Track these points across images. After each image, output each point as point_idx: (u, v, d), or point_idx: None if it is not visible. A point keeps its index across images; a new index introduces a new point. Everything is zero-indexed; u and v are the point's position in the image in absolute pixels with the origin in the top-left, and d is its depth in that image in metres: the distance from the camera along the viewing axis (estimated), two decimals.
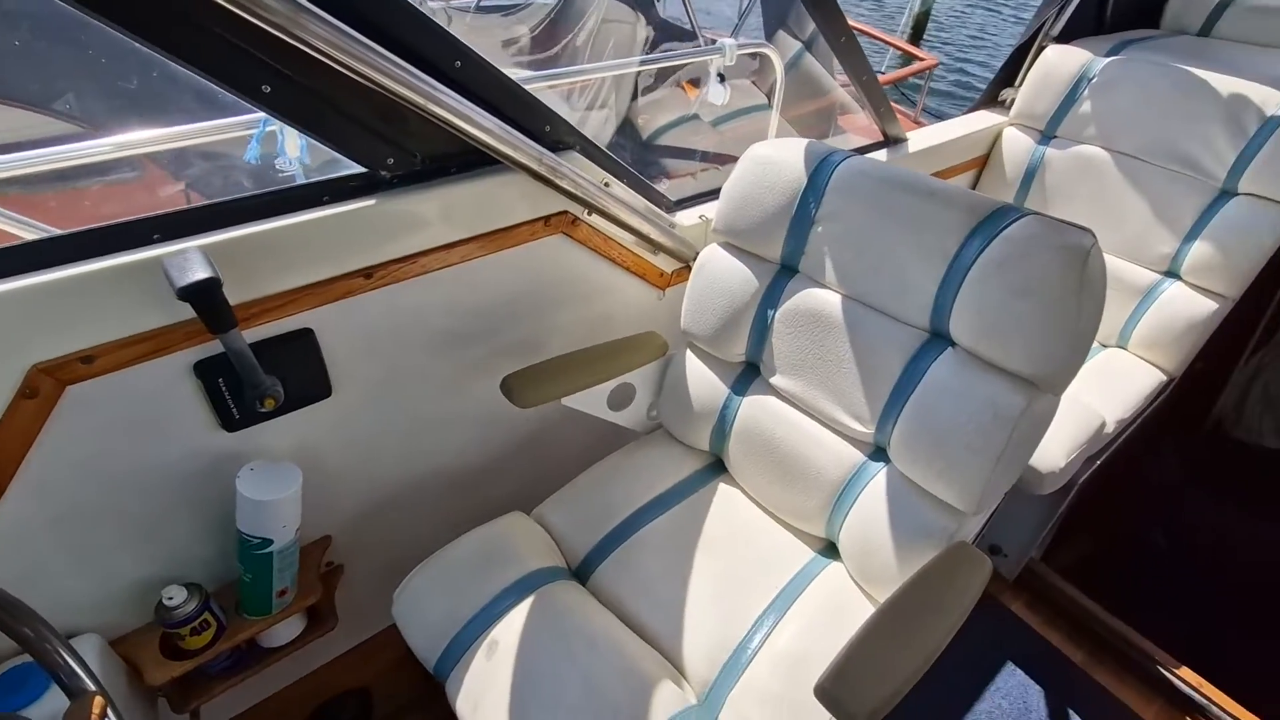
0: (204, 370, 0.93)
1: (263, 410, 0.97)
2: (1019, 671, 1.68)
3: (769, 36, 2.44)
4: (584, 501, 1.22)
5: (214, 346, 0.93)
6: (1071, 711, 1.61)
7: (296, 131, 1.19)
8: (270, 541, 1.02)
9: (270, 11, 0.71)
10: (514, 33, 2.43)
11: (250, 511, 1.00)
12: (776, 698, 0.92)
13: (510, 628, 0.99)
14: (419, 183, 1.02)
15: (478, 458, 1.39)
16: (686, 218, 1.43)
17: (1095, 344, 1.85)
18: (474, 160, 1.05)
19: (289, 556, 1.08)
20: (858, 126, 2.53)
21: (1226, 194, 1.65)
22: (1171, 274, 1.75)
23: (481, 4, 2.95)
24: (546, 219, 1.17)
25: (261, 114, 1.17)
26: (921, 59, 3.68)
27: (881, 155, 1.77)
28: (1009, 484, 0.98)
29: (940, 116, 2.50)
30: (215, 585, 1.11)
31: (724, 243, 1.21)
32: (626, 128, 2.08)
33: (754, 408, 1.19)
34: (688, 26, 2.48)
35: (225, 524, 1.05)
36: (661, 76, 2.35)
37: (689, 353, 1.29)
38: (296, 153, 1.21)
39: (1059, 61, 1.86)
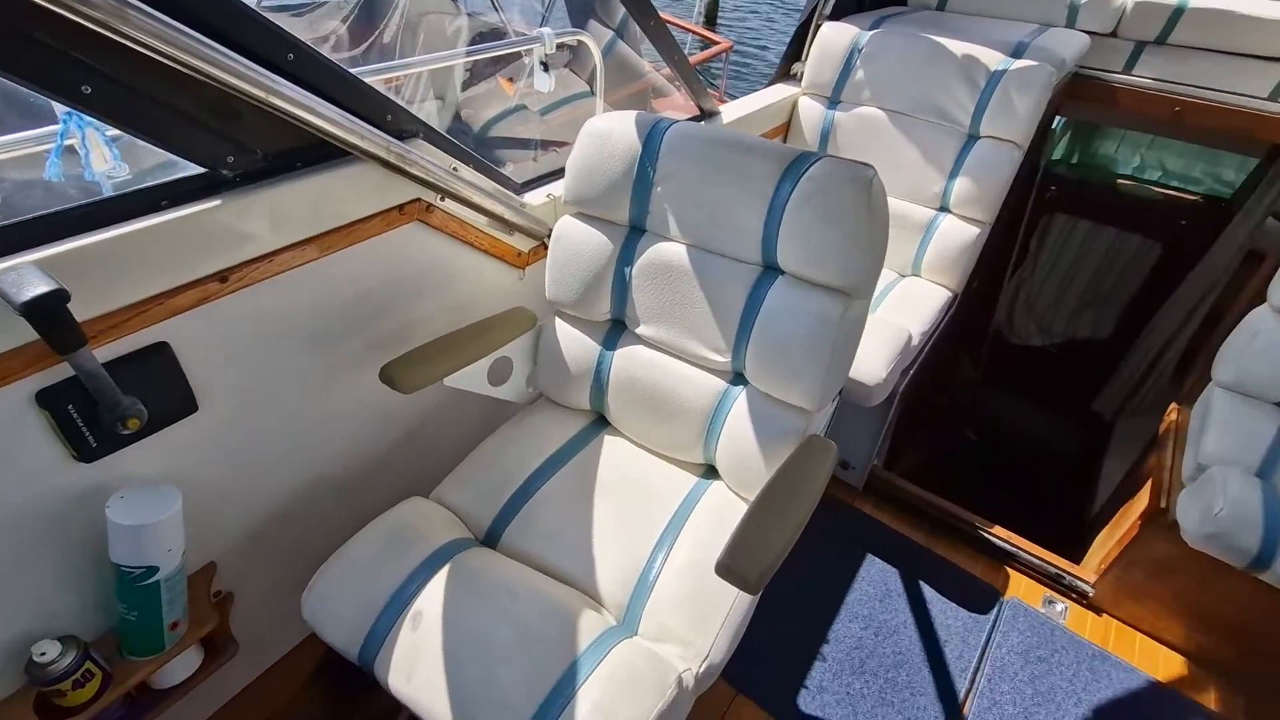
0: (49, 399, 0.87)
1: (125, 433, 0.92)
2: (877, 560, 1.97)
3: (578, 25, 2.56)
4: (480, 475, 1.27)
5: (56, 372, 0.87)
6: (921, 582, 1.91)
7: (104, 142, 1.12)
8: (155, 570, 0.97)
9: (88, 5, 0.69)
10: (324, 29, 2.34)
11: (128, 540, 0.94)
12: (683, 598, 1.05)
13: (431, 598, 1.03)
14: (265, 179, 1.01)
15: (368, 453, 1.38)
16: (535, 198, 1.50)
17: (894, 274, 2.19)
18: (320, 153, 1.06)
19: (177, 585, 1.03)
20: (673, 107, 2.73)
21: (973, 138, 2.02)
22: (943, 209, 2.10)
23: (263, 4, 2.79)
24: (401, 207, 1.19)
25: (58, 126, 1.08)
26: (718, 42, 4.02)
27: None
28: (841, 381, 1.18)
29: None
30: (93, 634, 1.03)
31: (576, 213, 1.30)
32: (459, 124, 2.10)
33: (625, 359, 1.31)
34: (494, 21, 2.53)
35: (96, 564, 0.98)
36: (476, 73, 2.39)
37: (558, 320, 1.38)
38: (105, 164, 1.13)
39: (833, 37, 2.15)
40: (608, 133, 1.21)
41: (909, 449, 3.46)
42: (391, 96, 1.17)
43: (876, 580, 1.91)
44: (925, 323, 1.98)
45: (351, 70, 1.10)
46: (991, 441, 3.61)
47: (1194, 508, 1.52)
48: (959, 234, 2.06)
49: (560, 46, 2.64)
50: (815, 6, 2.22)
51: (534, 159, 2.09)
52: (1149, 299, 3.11)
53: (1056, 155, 3.31)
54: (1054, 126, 3.13)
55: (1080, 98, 2.49)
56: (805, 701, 1.63)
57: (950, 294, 2.12)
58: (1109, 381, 3.21)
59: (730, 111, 2.07)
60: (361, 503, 1.37)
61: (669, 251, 1.22)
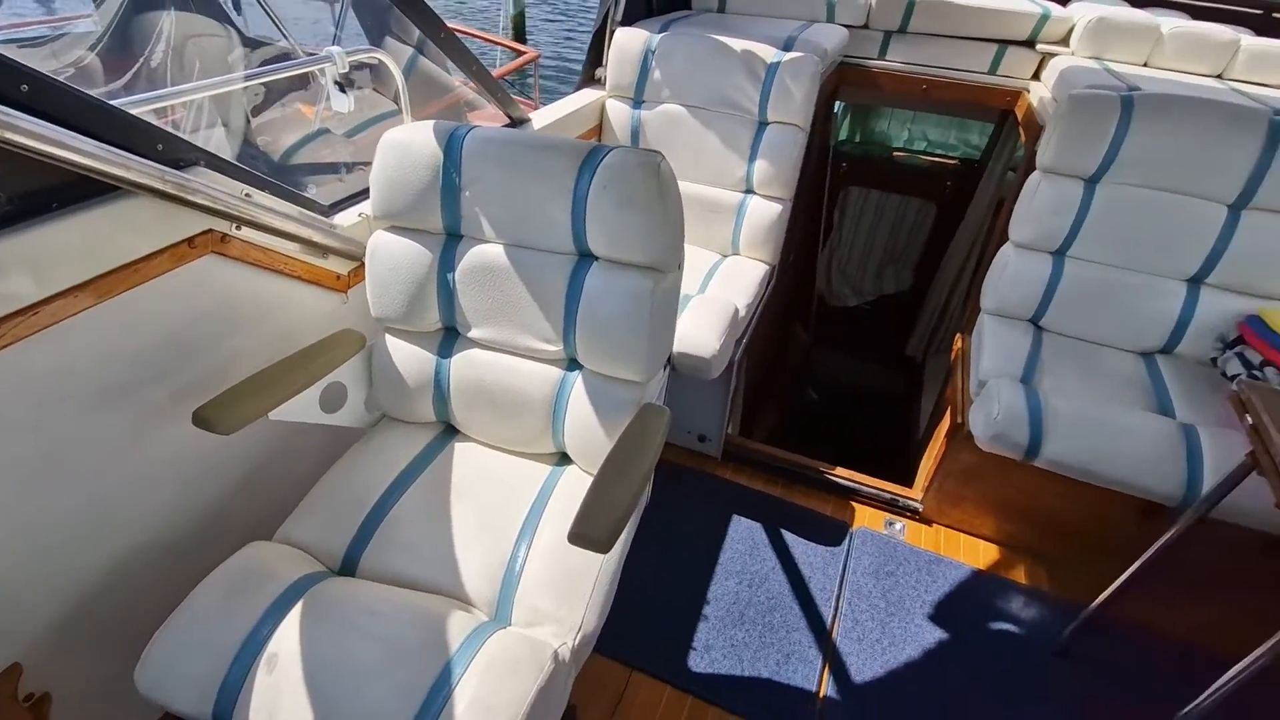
0: None
1: None
2: (742, 519, 2.11)
3: (375, 44, 2.51)
4: (328, 505, 1.23)
5: None
6: (782, 530, 2.08)
7: None
8: None
9: None
10: (68, 58, 2.08)
11: None
12: (550, 580, 1.09)
13: (286, 637, 0.98)
14: (18, 224, 0.91)
15: (199, 507, 1.28)
16: (347, 218, 1.47)
17: (717, 255, 2.37)
18: (81, 191, 0.97)
19: None
20: (488, 118, 2.74)
21: (763, 124, 2.23)
22: (749, 190, 2.30)
23: None
24: (191, 240, 1.12)
25: None
26: (525, 52, 4.11)
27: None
28: (666, 350, 1.28)
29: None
30: None
31: (388, 228, 1.30)
32: (252, 150, 1.97)
33: (462, 365, 1.32)
34: (283, 44, 2.42)
35: None
36: (271, 98, 2.27)
37: (388, 337, 1.36)
38: None
39: (627, 42, 2.28)
40: (407, 144, 1.22)
41: (761, 414, 3.74)
42: (165, 126, 1.09)
43: (744, 537, 2.05)
44: (749, 295, 2.15)
45: (112, 101, 1.02)
46: (830, 395, 4.00)
47: (980, 417, 1.80)
48: (766, 212, 2.27)
49: (361, 66, 2.57)
50: (607, 13, 2.35)
51: (340, 180, 2.02)
52: (934, 251, 3.60)
53: (842, 136, 3.73)
54: (835, 111, 3.52)
55: (851, 83, 2.83)
56: (695, 662, 1.72)
57: (768, 267, 2.33)
58: (914, 327, 3.68)
59: (541, 118, 2.13)
60: (199, 563, 1.26)
61: (488, 253, 1.25)
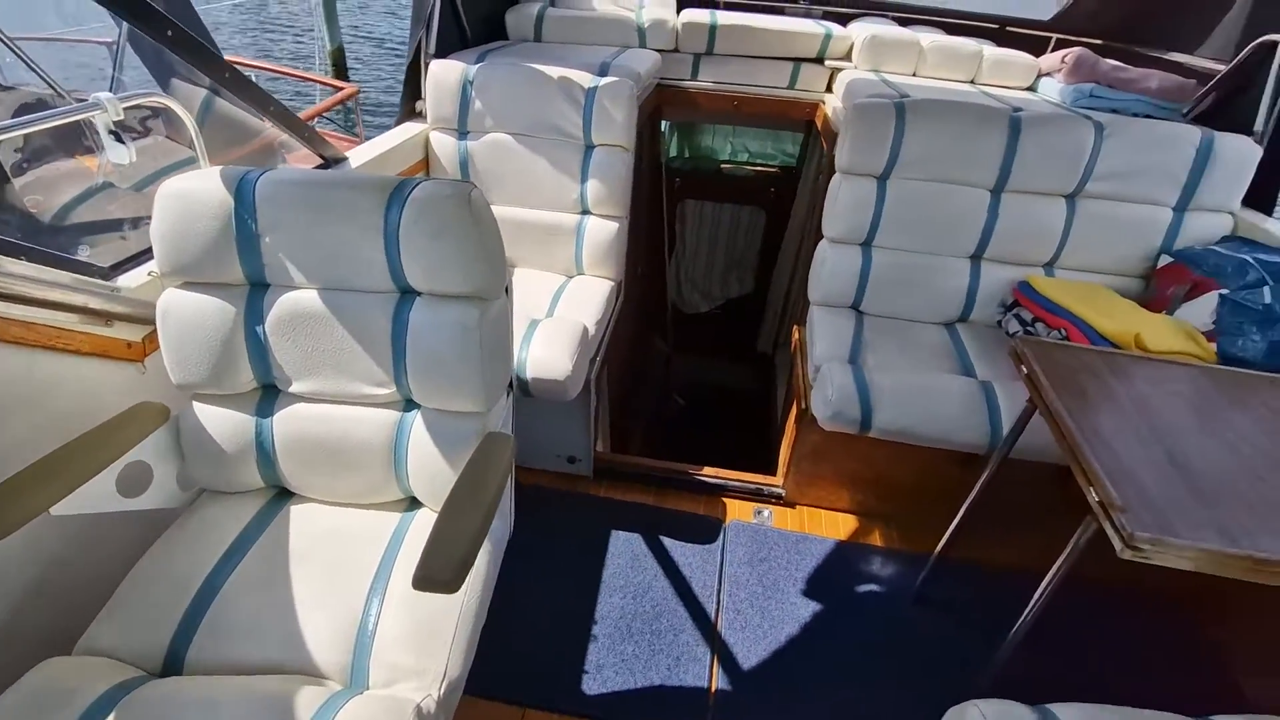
0: None
1: None
2: (621, 533, 2.13)
3: (163, 86, 2.30)
4: (140, 602, 1.09)
5: None
6: (660, 537, 2.12)
7: None
8: None
9: None
10: None
11: None
12: (407, 633, 1.03)
13: None
14: None
15: None
16: (135, 279, 1.32)
17: (563, 277, 2.39)
18: None
19: None
20: (306, 159, 2.59)
21: (590, 147, 2.29)
22: (585, 211, 2.35)
23: None
24: None
25: None
26: (342, 88, 3.95)
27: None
28: (505, 376, 1.27)
29: None
30: None
31: (181, 284, 1.18)
32: (9, 214, 1.71)
33: (287, 423, 1.23)
34: (48, 91, 2.15)
35: None
36: (38, 154, 2.00)
37: (196, 404, 1.24)
38: None
39: (444, 74, 2.26)
40: (189, 193, 1.12)
41: (633, 428, 3.81)
42: None
43: (624, 550, 2.07)
44: (598, 312, 2.19)
45: None
46: (696, 398, 4.16)
47: (819, 400, 1.94)
48: (603, 231, 2.33)
49: (146, 111, 2.34)
50: (419, 46, 2.31)
51: (123, 238, 1.82)
52: (769, 252, 3.87)
53: (673, 153, 3.91)
54: (663, 130, 3.70)
55: (670, 102, 2.98)
56: (589, 684, 1.71)
57: (613, 283, 2.38)
58: (762, 325, 3.92)
59: (360, 155, 2.05)
60: None
61: (300, 300, 1.18)
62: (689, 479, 2.33)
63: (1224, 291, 1.82)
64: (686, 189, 3.77)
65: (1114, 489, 1.17)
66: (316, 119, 4.53)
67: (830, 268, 2.26)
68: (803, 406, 2.10)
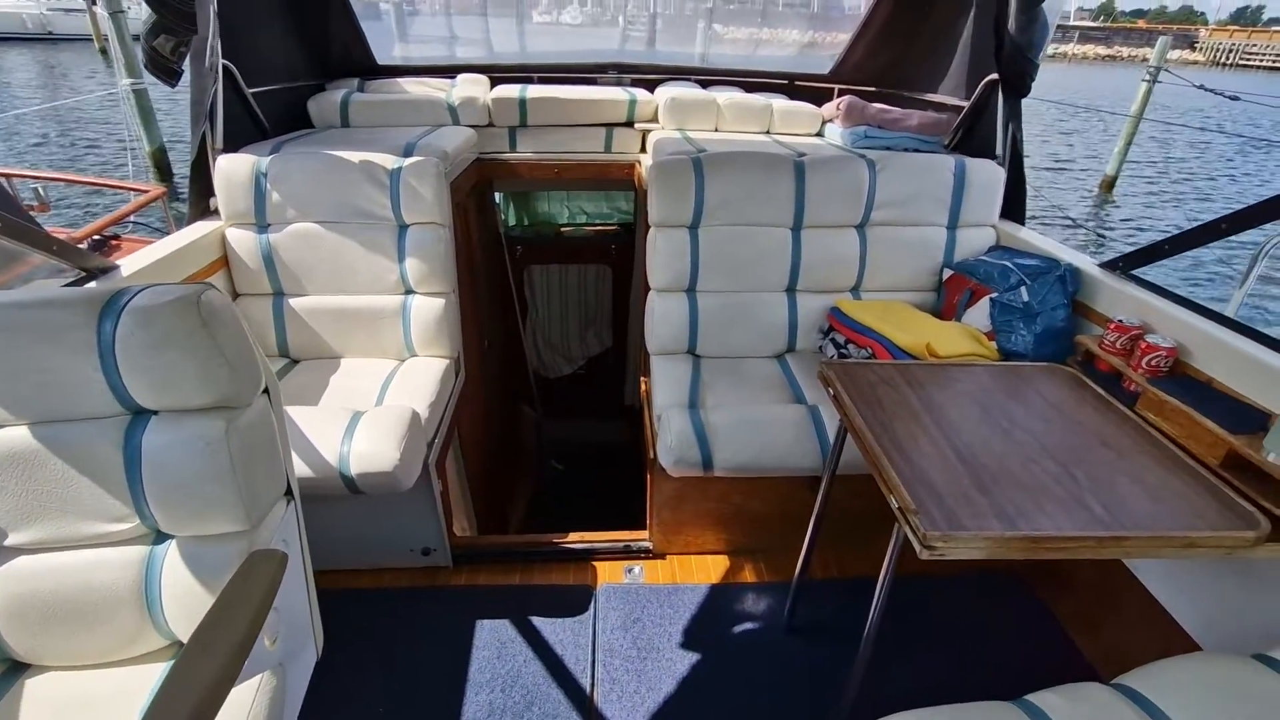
0: None
1: None
2: (486, 622, 2.00)
3: None
4: None
5: None
6: (528, 617, 2.01)
7: None
8: None
9: None
10: None
11: None
12: None
13: None
14: None
15: None
16: None
17: (393, 361, 2.29)
18: None
19: None
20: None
21: (403, 227, 2.24)
22: (409, 291, 2.28)
23: None
24: None
25: None
26: (145, 191, 3.68)
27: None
28: (275, 486, 1.16)
29: None
30: None
31: None
32: None
33: (9, 582, 1.04)
34: None
35: None
36: None
37: None
38: None
39: (232, 168, 2.15)
40: None
41: (511, 503, 3.67)
42: None
43: (489, 640, 1.94)
44: (430, 394, 2.10)
45: None
46: (572, 461, 4.10)
47: (662, 447, 1.95)
48: (430, 308, 2.26)
49: None
50: (202, 142, 2.19)
51: None
52: (621, 307, 3.94)
53: (512, 221, 3.94)
54: (498, 201, 3.73)
55: (493, 175, 3.01)
56: None
57: (448, 360, 2.31)
58: (625, 378, 3.96)
59: (136, 261, 1.87)
60: None
61: (5, 441, 1.02)
62: (556, 548, 2.25)
63: (994, 295, 2.04)
64: (530, 256, 3.80)
65: (908, 493, 1.24)
66: (128, 223, 4.17)
67: (659, 316, 2.32)
68: (652, 455, 2.10)
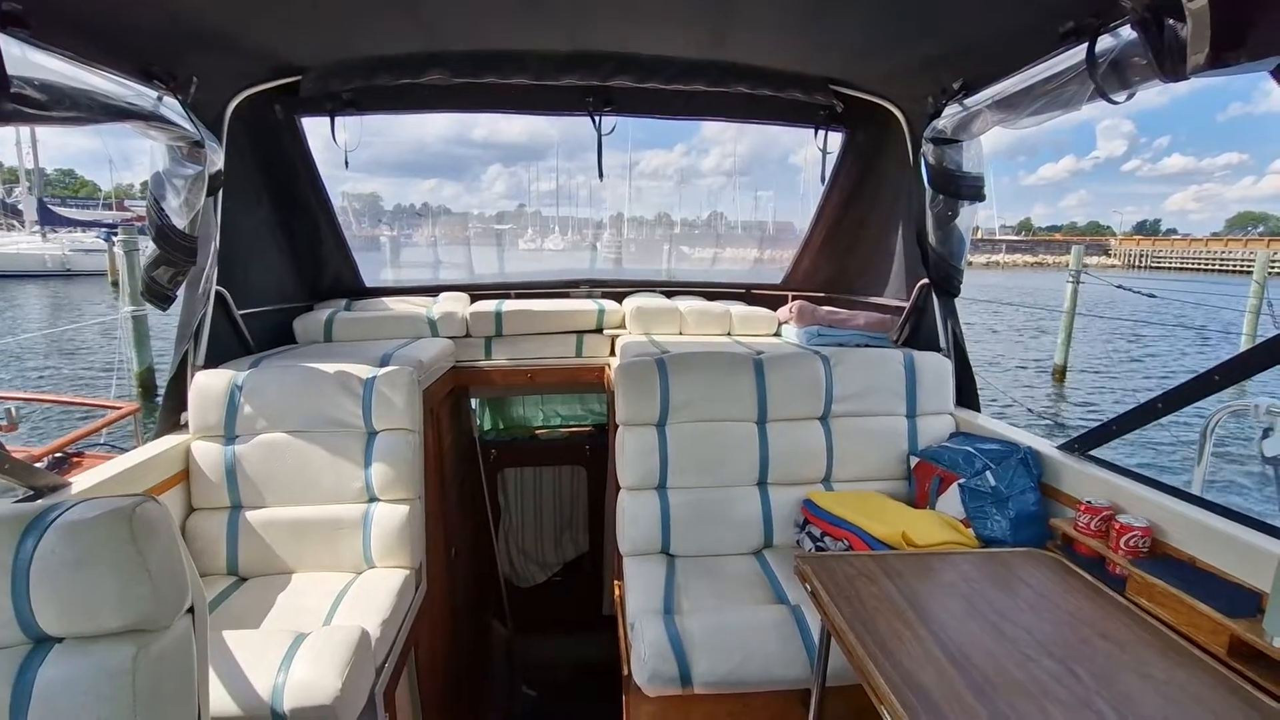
0: None
1: None
2: None
3: None
4: None
5: None
6: None
7: None
8: None
9: None
10: None
11: None
12: None
13: None
14: None
15: None
16: None
17: (349, 574, 2.15)
18: None
19: None
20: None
21: (372, 434, 2.25)
22: (373, 499, 2.22)
23: None
24: None
25: None
26: (118, 408, 3.73)
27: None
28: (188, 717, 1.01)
29: None
30: None
31: None
32: None
33: None
34: None
35: None
36: None
37: None
38: None
39: (209, 383, 2.20)
40: None
41: None
42: None
43: None
44: (385, 610, 1.95)
45: None
46: (546, 684, 3.69)
47: (635, 661, 1.78)
48: (393, 516, 2.19)
49: None
50: (184, 359, 2.26)
51: None
52: (597, 508, 3.84)
53: (487, 426, 3.98)
54: (473, 407, 3.80)
55: (469, 381, 3.11)
56: None
57: (407, 571, 2.18)
58: (602, 586, 3.73)
59: (91, 477, 1.83)
60: None
61: None
62: None
63: (962, 481, 2.04)
64: (504, 459, 3.78)
65: (900, 704, 1.12)
66: (100, 442, 4.15)
67: (631, 515, 2.26)
68: (626, 673, 1.91)
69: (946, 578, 1.58)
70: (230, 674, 1.58)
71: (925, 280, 2.64)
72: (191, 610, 1.03)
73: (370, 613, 1.91)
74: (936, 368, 2.44)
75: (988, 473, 1.97)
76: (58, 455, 3.19)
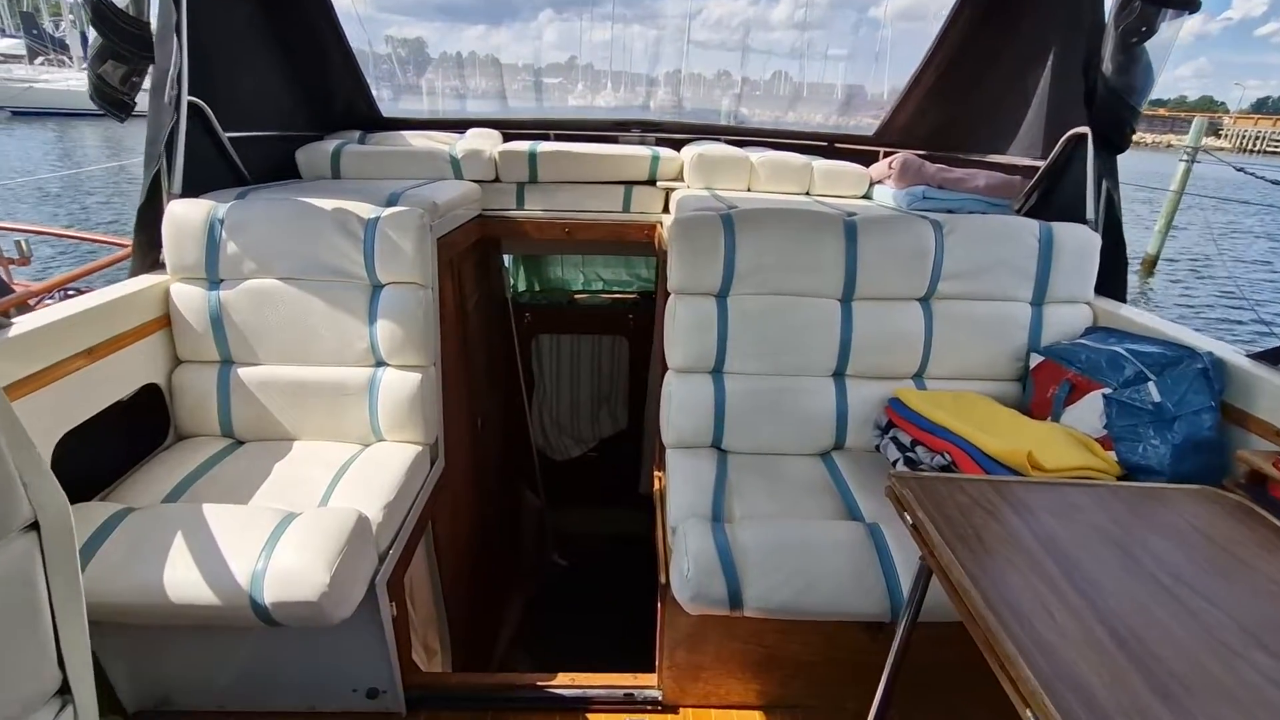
0: None
1: None
2: None
3: None
4: None
5: None
6: None
7: None
8: None
9: None
10: None
11: None
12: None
13: None
14: None
15: None
16: None
17: (355, 447, 1.89)
18: None
19: None
20: None
21: (377, 287, 1.89)
22: (380, 363, 1.91)
23: None
24: None
25: None
26: (124, 244, 3.45)
27: None
28: (24, 686, 0.73)
29: None
30: None
31: None
32: None
33: None
34: None
35: None
36: None
37: None
38: None
39: (184, 213, 1.84)
40: None
41: (505, 612, 3.17)
42: None
43: None
44: (391, 490, 1.69)
45: None
46: (579, 556, 3.60)
47: (676, 575, 1.50)
48: (404, 385, 1.89)
49: None
50: (154, 185, 1.89)
51: None
52: (638, 383, 3.54)
53: (521, 287, 3.62)
54: (506, 265, 3.42)
55: (496, 233, 2.70)
56: None
57: (420, 448, 1.90)
58: (640, 464, 3.50)
59: (40, 318, 1.52)
60: None
61: None
62: (541, 694, 1.77)
63: (1107, 391, 1.59)
64: (538, 324, 3.44)
65: (1055, 709, 0.78)
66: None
67: (679, 402, 1.91)
68: (664, 581, 1.64)
69: (1094, 518, 1.18)
70: (207, 555, 1.35)
71: (1077, 130, 2.03)
72: (37, 527, 0.72)
73: (373, 493, 1.65)
74: (1083, 244, 1.91)
75: (1150, 384, 1.51)
76: (64, 292, 2.97)
